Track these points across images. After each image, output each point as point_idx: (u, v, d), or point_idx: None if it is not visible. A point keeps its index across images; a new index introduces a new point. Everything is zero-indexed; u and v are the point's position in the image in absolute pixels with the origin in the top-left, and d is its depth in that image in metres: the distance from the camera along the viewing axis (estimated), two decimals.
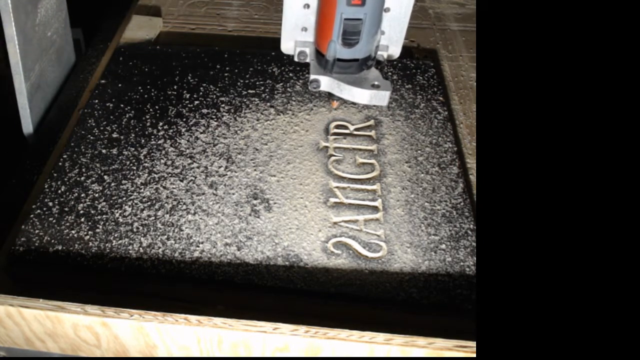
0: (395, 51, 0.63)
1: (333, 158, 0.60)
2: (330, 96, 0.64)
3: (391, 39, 0.62)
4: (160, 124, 0.62)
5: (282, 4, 0.60)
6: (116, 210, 0.53)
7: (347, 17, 0.54)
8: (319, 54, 0.60)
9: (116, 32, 0.78)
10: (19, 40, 0.59)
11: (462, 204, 0.56)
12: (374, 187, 0.57)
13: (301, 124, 0.64)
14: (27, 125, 0.64)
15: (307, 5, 0.60)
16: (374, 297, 0.48)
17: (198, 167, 0.58)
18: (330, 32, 0.56)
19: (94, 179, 0.56)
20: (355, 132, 0.63)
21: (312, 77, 0.59)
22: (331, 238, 0.52)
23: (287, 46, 0.64)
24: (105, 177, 0.56)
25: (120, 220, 0.52)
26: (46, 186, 0.55)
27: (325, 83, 0.60)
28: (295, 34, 0.62)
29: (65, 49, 0.72)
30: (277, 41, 0.80)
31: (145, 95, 0.66)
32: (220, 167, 0.58)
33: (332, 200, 0.56)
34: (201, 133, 0.62)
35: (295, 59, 0.63)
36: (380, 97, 0.57)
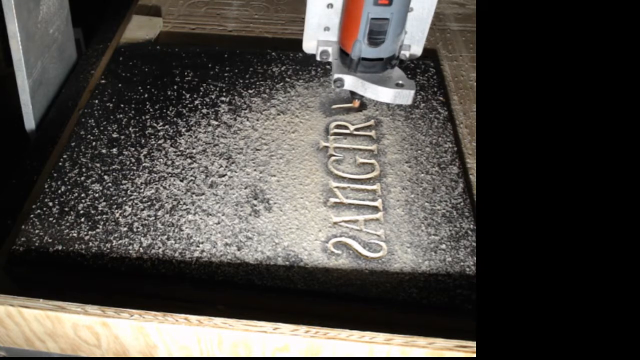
0: (417, 50, 0.63)
1: (333, 158, 0.60)
2: (352, 95, 0.64)
3: (413, 38, 0.62)
4: (160, 124, 0.62)
5: (305, 4, 0.60)
6: (116, 210, 0.53)
7: (373, 16, 0.54)
8: (343, 53, 0.60)
9: (116, 32, 0.78)
10: (22, 37, 0.59)
11: (462, 204, 0.56)
12: (374, 187, 0.57)
13: (301, 124, 0.64)
14: (30, 122, 0.64)
15: (330, 5, 0.60)
16: (374, 297, 0.48)
17: (198, 167, 0.58)
18: (356, 32, 0.56)
19: (94, 179, 0.56)
20: (355, 132, 0.63)
21: (335, 76, 0.59)
22: (331, 238, 0.52)
23: (309, 45, 0.64)
24: (105, 177, 0.56)
25: (120, 220, 0.52)
26: (46, 186, 0.55)
27: (349, 82, 0.60)
28: (318, 33, 0.62)
29: (67, 46, 0.72)
30: (277, 41, 0.80)
31: (145, 95, 0.66)
32: (220, 167, 0.58)
33: (332, 200, 0.56)
34: (201, 133, 0.62)
35: (318, 58, 0.63)
36: (404, 96, 0.58)
